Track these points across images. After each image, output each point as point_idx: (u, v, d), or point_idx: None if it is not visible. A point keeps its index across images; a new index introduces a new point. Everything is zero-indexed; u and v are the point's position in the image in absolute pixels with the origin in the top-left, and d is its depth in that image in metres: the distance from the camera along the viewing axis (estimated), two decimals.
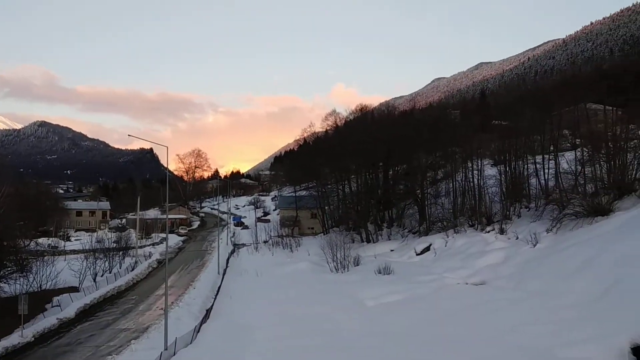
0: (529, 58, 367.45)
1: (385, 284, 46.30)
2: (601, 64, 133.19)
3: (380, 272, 51.31)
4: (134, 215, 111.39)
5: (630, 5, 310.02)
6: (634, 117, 57.42)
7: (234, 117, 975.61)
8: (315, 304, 41.45)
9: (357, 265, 58.90)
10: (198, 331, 34.86)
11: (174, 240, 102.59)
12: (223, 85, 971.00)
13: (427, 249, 60.16)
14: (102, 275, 63.43)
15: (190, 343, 32.16)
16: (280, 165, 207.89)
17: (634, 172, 50.36)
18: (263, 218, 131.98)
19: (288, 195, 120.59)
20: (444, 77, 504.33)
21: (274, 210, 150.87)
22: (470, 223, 62.37)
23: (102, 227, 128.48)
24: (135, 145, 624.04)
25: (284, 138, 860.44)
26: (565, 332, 26.09)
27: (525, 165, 63.96)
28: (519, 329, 27.86)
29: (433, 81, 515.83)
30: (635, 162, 50.36)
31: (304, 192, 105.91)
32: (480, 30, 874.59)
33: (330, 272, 57.90)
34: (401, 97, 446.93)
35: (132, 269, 69.70)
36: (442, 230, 63.52)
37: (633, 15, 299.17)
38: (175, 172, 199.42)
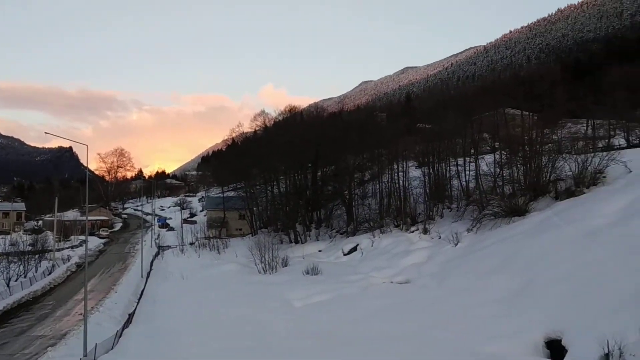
0: (452, 64, 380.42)
1: (313, 284, 46.59)
2: (519, 71, 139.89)
3: (308, 273, 51.59)
4: (51, 216, 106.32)
5: (546, 15, 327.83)
6: (549, 122, 60.80)
7: (160, 115, 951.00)
8: (242, 306, 41.10)
9: (286, 266, 58.95)
10: (120, 336, 33.70)
11: (94, 242, 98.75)
12: (148, 83, 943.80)
13: (355, 249, 61.03)
14: (16, 280, 60.01)
15: (112, 349, 31.04)
16: (207, 165, 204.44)
17: (548, 175, 53.27)
18: (189, 219, 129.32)
19: (215, 196, 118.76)
20: (371, 80, 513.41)
21: (200, 211, 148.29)
22: (395, 223, 63.85)
23: (16, 229, 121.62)
24: (54, 143, 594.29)
25: (212, 138, 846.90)
26: (484, 328, 27.21)
27: (448, 167, 66.34)
28: (441, 325, 28.79)
29: (361, 84, 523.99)
30: (550, 164, 53.28)
31: (232, 193, 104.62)
32: (407, 35, 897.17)
33: (258, 274, 57.60)
34: (330, 98, 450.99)
35: (49, 273, 66.39)
36: (369, 231, 64.65)
37: (549, 25, 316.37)
38: (97, 172, 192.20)
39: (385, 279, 45.09)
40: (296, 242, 73.74)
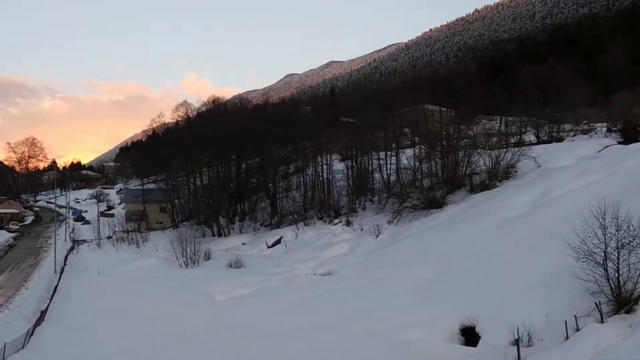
0: (375, 59, 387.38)
1: (236, 277, 46.24)
2: (438, 69, 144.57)
3: (231, 266, 51.11)
4: None
5: (465, 15, 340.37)
6: (465, 119, 63.32)
7: (75, 103, 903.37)
8: (162, 301, 40.09)
9: (208, 259, 58.09)
10: (31, 335, 31.99)
11: (3, 237, 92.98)
12: (61, 69, 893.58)
13: (278, 241, 61.12)
14: None
15: (22, 348, 29.42)
16: (126, 156, 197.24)
17: (464, 169, 55.57)
18: (107, 212, 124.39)
19: (135, 188, 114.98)
20: (296, 73, 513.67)
21: (119, 204, 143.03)
22: (319, 216, 64.48)
23: None
24: None
25: (131, 128, 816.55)
26: (403, 317, 28.10)
27: (370, 161, 67.62)
28: (362, 315, 29.43)
29: (286, 77, 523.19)
30: (466, 159, 55.57)
31: (152, 185, 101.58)
32: (331, 30, 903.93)
33: (179, 268, 56.39)
34: (255, 90, 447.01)
35: None
36: (293, 223, 64.92)
37: (466, 25, 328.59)
38: (6, 163, 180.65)
39: (308, 271, 45.51)
40: (219, 235, 72.81)
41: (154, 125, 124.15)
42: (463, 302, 28.48)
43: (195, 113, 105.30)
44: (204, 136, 79.43)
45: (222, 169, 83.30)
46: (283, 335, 27.48)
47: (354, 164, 68.66)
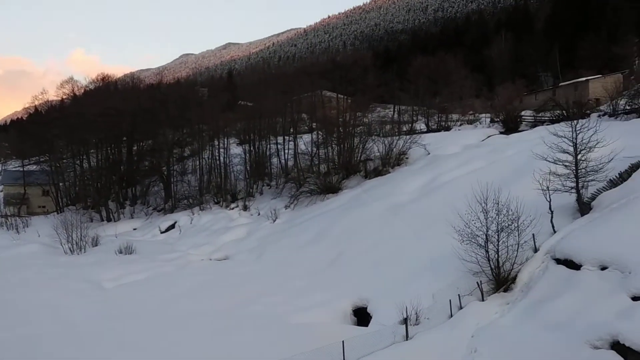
0: (273, 43, 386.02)
1: (127, 264, 44.37)
2: (336, 56, 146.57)
3: (121, 252, 48.98)
4: None
5: (362, 4, 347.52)
6: (361, 106, 64.83)
7: None
8: (44, 289, 37.57)
9: (96, 245, 55.23)
10: None
11: None
12: None
13: (172, 226, 59.51)
14: None
15: None
16: (5, 135, 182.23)
17: (359, 155, 57.08)
18: None
19: (14, 169, 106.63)
20: (192, 54, 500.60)
21: None
22: (216, 200, 63.52)
23: None
24: None
25: (10, 105, 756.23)
26: (298, 299, 28.48)
27: (268, 145, 67.52)
28: (258, 299, 29.45)
29: (181, 56, 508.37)
30: (361, 145, 57.13)
31: (34, 167, 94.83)
32: (230, 11, 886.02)
33: (64, 254, 53.24)
34: (148, 69, 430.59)
35: None
36: (188, 208, 63.46)
37: (363, 14, 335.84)
38: None
39: (204, 256, 44.74)
40: (108, 220, 69.55)
41: (36, 102, 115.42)
42: (356, 284, 29.35)
43: (83, 91, 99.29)
44: (92, 116, 75.13)
45: (112, 150, 79.42)
46: (178, 322, 26.85)
47: (251, 148, 68.20)
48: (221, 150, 68.94)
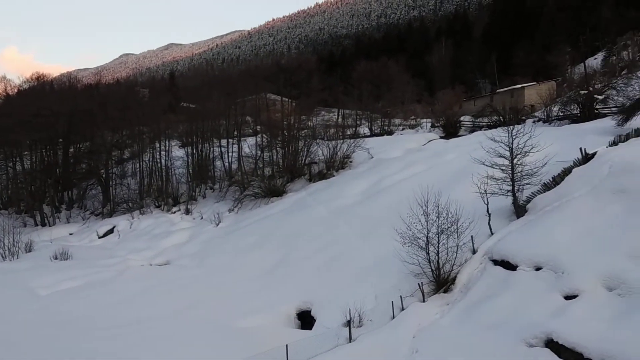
0: (217, 45, 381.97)
1: (62, 270, 42.66)
2: (280, 59, 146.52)
3: (56, 258, 47.11)
4: None
5: (306, 8, 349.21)
6: (305, 109, 65.02)
7: None
8: None
9: (30, 251, 52.87)
10: None
11: None
12: None
13: (111, 231, 57.70)
14: None
15: None
16: None
17: (304, 158, 57.20)
18: None
19: None
20: (133, 54, 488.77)
21: None
22: (157, 204, 62.11)
23: None
24: None
25: None
26: (242, 304, 28.18)
27: (212, 148, 66.63)
28: (201, 304, 28.95)
29: (121, 56, 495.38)
30: (305, 149, 57.27)
31: None
32: (172, 11, 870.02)
33: None
34: (86, 69, 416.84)
35: None
36: (128, 212, 61.74)
37: (308, 18, 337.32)
38: None
39: (144, 262, 43.57)
40: (43, 224, 66.77)
41: None
42: (300, 287, 29.33)
43: (16, 90, 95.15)
44: (26, 116, 72.01)
45: (47, 152, 76.33)
46: (117, 329, 26.03)
47: (194, 151, 67.11)
48: (162, 152, 67.52)
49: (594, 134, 39.85)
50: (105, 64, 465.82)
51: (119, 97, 79.41)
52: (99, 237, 57.06)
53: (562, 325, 18.29)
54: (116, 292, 34.20)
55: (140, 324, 26.60)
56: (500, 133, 29.38)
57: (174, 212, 58.22)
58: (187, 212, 56.98)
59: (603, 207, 23.90)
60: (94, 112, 70.24)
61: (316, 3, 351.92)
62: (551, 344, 18.09)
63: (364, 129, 73.81)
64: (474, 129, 63.97)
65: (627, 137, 33.71)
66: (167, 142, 68.60)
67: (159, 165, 67.79)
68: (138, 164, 70.72)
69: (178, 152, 70.09)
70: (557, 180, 29.72)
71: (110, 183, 68.92)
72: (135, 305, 30.73)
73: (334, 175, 54.00)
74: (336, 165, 55.45)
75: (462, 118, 68.69)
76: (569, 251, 21.61)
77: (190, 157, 66.44)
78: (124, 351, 22.32)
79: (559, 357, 17.61)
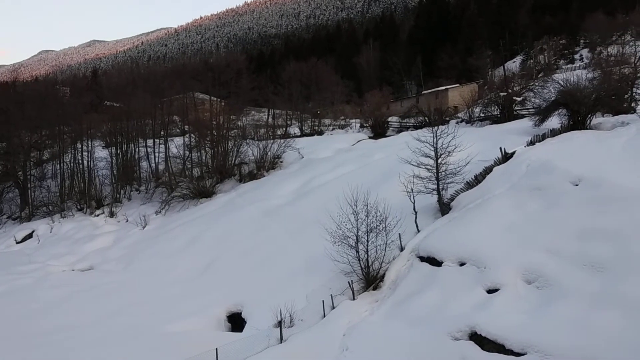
0: (142, 42, 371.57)
1: None
2: (208, 58, 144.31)
3: None
4: None
5: (235, 7, 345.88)
6: (235, 109, 64.36)
7: None
8: None
9: None
10: None
11: None
12: None
13: (30, 235, 54.85)
14: None
15: None
16: None
17: (234, 158, 56.57)
18: None
19: None
20: (53, 50, 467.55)
21: None
22: (79, 207, 59.57)
23: None
24: None
25: None
26: (171, 308, 27.52)
27: (137, 148, 64.65)
28: (126, 310, 28.05)
29: (40, 53, 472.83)
30: (235, 149, 56.67)
31: None
32: (95, 6, 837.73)
33: None
34: (2, 66, 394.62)
35: None
36: (48, 215, 58.85)
37: (237, 17, 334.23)
38: None
39: (66, 267, 41.68)
40: None
41: None
42: (231, 289, 28.99)
43: None
44: None
45: None
46: (39, 338, 24.81)
47: (118, 152, 64.81)
48: (85, 153, 64.79)
49: (513, 134, 41.80)
50: (23, 61, 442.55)
51: (38, 95, 75.34)
52: (17, 243, 54.10)
53: (484, 318, 19.04)
54: (37, 299, 32.60)
55: (63, 332, 25.51)
56: (425, 133, 30.29)
57: (98, 215, 56.07)
58: (112, 215, 55.04)
59: (522, 203, 25.13)
60: (11, 111, 66.50)
61: (245, 2, 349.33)
62: (475, 337, 18.78)
63: (295, 129, 73.94)
64: (401, 129, 65.49)
65: (543, 137, 35.67)
66: (89, 143, 65.89)
67: (81, 166, 65.00)
68: (59, 165, 67.49)
69: (101, 152, 67.47)
70: (479, 178, 30.97)
71: (29, 185, 65.41)
72: (57, 312, 29.42)
73: (264, 176, 53.79)
74: (267, 165, 55.26)
75: (389, 119, 70.16)
76: (490, 246, 22.54)
77: (114, 158, 64.09)
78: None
79: (482, 349, 18.32)
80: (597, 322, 17.25)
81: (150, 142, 64.31)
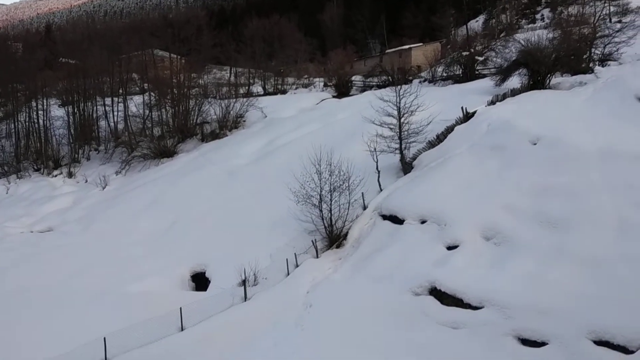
0: None
1: None
2: (168, 13, 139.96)
3: None
4: None
5: None
6: (196, 67, 62.88)
7: None
8: None
9: None
10: None
11: None
12: None
13: None
14: None
15: None
16: None
17: (195, 118, 55.59)
18: None
19: None
20: (2, 4, 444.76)
21: None
22: (35, 167, 57.93)
23: None
24: None
25: None
26: (133, 269, 27.34)
27: (95, 107, 62.82)
28: (87, 271, 27.73)
29: None
30: (197, 108, 55.65)
31: None
32: None
33: None
34: None
35: None
36: (4, 176, 57.10)
37: None
38: None
39: (23, 229, 40.77)
40: None
41: None
42: (194, 249, 28.95)
43: None
44: None
45: None
46: None
47: (75, 110, 62.81)
48: (40, 112, 62.62)
49: (474, 93, 42.21)
50: None
51: None
52: None
53: (444, 274, 19.58)
54: None
55: (23, 294, 25.10)
56: (388, 93, 30.33)
57: (56, 176, 54.68)
58: (70, 175, 53.76)
59: (481, 162, 25.61)
60: None
61: None
62: (435, 292, 19.35)
63: (258, 88, 72.86)
64: (364, 88, 65.29)
65: (504, 96, 36.17)
66: (44, 101, 63.63)
67: (36, 125, 62.84)
68: (13, 125, 65.15)
69: (58, 111, 65.22)
70: (440, 138, 31.33)
71: None
72: (17, 274, 28.84)
73: (227, 135, 53.14)
74: (229, 124, 54.52)
75: (353, 78, 69.77)
76: (450, 205, 23.00)
77: (71, 117, 62.08)
78: (8, 322, 21.08)
79: (442, 303, 18.91)
80: (551, 276, 17.98)
81: (108, 100, 62.49)
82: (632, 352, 14.99)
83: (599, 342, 15.53)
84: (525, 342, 16.48)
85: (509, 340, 16.68)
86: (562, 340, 15.89)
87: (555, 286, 17.51)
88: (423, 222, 23.24)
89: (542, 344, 16.19)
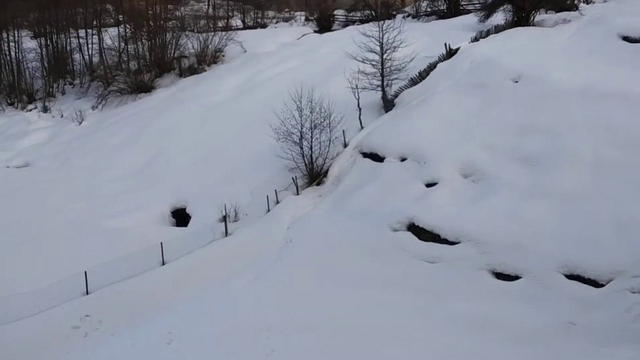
0: None
1: None
2: None
3: None
4: None
5: None
6: None
7: None
8: None
9: None
10: None
11: None
12: None
13: None
14: None
15: None
16: None
17: (173, 52, 54.11)
18: None
19: None
20: None
21: None
22: (9, 101, 56.37)
23: None
24: None
25: None
26: (113, 205, 27.28)
27: (69, 40, 60.68)
28: (66, 207, 27.57)
29: None
30: (174, 41, 54.04)
31: None
32: None
33: None
34: None
35: None
36: None
37: None
38: None
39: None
40: None
41: None
42: (174, 185, 28.86)
43: None
44: None
45: None
46: None
47: (48, 43, 60.67)
48: (12, 44, 60.36)
49: (458, 30, 41.57)
50: None
51: None
52: None
53: (422, 210, 19.88)
54: None
55: (2, 229, 24.96)
56: (371, 28, 29.69)
57: (30, 110, 53.31)
58: (45, 110, 52.46)
59: (463, 100, 25.55)
60: None
61: None
62: (413, 228, 19.69)
63: (237, 22, 70.85)
64: (347, 23, 63.82)
65: (488, 33, 35.69)
66: (15, 33, 61.22)
67: (8, 58, 60.74)
68: None
69: (30, 43, 62.85)
70: (422, 75, 31.02)
71: None
72: None
73: (205, 70, 51.96)
74: (208, 59, 53.22)
75: (335, 12, 68.06)
76: (431, 142, 23.09)
77: (44, 50, 60.04)
78: None
79: (419, 239, 19.30)
80: (526, 212, 18.37)
81: (82, 32, 60.36)
82: (601, 285, 15.59)
83: (571, 276, 16.11)
84: (500, 275, 17.05)
85: (484, 274, 17.21)
86: (535, 274, 16.44)
87: (530, 222, 17.93)
88: (403, 159, 23.34)
89: (516, 277, 16.76)
